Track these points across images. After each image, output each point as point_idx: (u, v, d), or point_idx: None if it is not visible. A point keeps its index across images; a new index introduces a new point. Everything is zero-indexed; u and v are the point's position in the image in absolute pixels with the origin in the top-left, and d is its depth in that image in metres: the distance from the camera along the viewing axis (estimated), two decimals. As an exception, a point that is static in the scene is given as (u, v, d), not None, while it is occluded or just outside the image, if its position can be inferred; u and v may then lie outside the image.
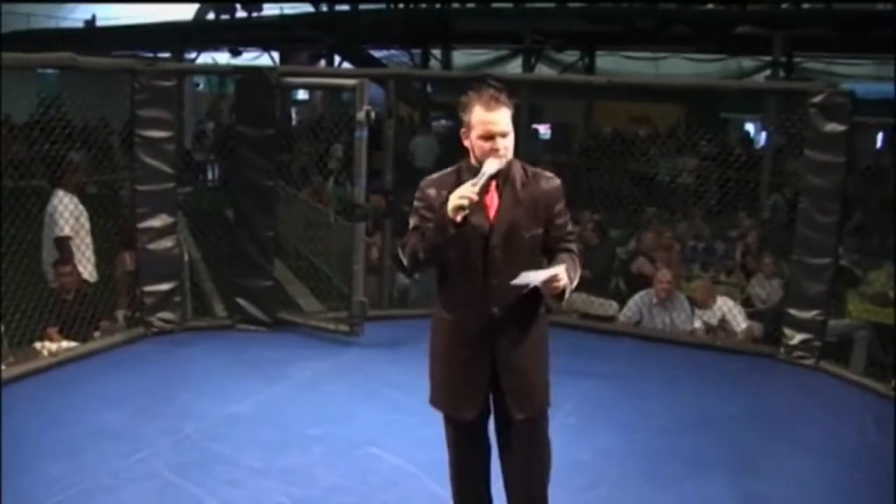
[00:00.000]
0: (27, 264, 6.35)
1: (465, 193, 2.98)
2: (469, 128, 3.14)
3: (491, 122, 3.08)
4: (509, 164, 3.16)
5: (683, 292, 7.60)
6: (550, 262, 3.20)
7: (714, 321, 7.11)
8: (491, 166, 3.06)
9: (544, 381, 3.42)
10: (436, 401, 3.39)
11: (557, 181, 3.27)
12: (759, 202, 12.12)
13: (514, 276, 3.04)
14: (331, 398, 5.44)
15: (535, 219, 3.19)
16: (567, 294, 3.10)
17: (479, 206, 3.09)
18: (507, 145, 3.10)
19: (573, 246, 3.27)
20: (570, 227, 3.32)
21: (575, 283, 3.16)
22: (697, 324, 7.19)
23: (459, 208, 2.98)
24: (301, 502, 4.11)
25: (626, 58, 19.71)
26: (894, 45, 13.28)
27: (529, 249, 3.19)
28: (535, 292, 3.14)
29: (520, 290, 3.10)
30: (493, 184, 3.14)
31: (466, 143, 3.18)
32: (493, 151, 3.08)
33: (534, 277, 3.06)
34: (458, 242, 3.11)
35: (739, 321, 7.04)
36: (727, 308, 7.12)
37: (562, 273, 3.05)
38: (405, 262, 3.27)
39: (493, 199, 3.17)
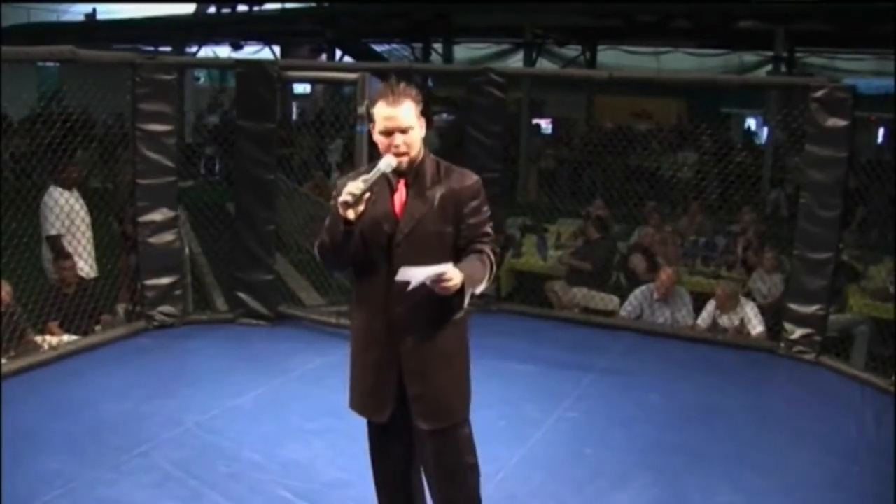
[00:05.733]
0: (28, 258, 6.35)
1: (349, 189, 2.89)
2: (373, 123, 3.03)
3: (388, 117, 2.97)
4: (420, 161, 3.07)
5: (684, 286, 7.60)
6: (458, 262, 3.02)
7: (727, 323, 7.02)
8: (384, 163, 2.97)
9: (457, 389, 3.18)
10: (350, 402, 3.27)
11: (473, 179, 3.12)
12: (761, 197, 12.09)
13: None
14: (332, 392, 5.40)
15: (443, 217, 3.04)
16: (467, 296, 2.94)
17: (384, 202, 3.03)
18: (407, 141, 2.99)
19: (486, 247, 3.08)
20: (485, 228, 3.12)
21: (482, 285, 3.02)
22: (703, 320, 7.13)
23: (344, 204, 2.89)
24: (301, 496, 4.11)
25: (628, 52, 19.69)
26: (894, 40, 13.26)
27: (436, 248, 3.02)
28: (441, 295, 2.93)
29: (419, 291, 2.90)
30: (403, 181, 3.05)
31: (375, 138, 3.06)
32: (392, 148, 2.98)
33: (418, 274, 2.86)
34: (365, 239, 3.03)
35: (756, 324, 6.95)
36: (747, 311, 7.02)
37: (452, 272, 2.87)
38: (318, 257, 3.17)
39: (401, 196, 3.06)
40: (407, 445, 3.25)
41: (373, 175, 2.94)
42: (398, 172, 3.04)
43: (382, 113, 2.98)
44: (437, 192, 3.05)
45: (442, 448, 3.17)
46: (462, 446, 3.22)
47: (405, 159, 3.00)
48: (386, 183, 3.06)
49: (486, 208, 3.13)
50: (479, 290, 3.01)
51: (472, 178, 3.12)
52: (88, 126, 6.36)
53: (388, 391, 3.12)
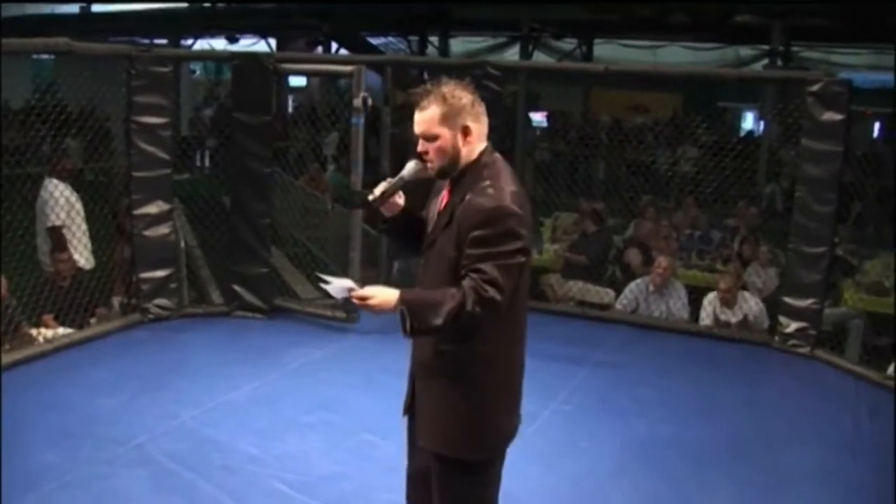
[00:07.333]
0: (23, 251, 6.33)
1: (377, 187, 2.90)
2: None
3: (416, 122, 2.78)
4: (464, 168, 2.77)
5: (679, 280, 7.61)
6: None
7: (730, 318, 7.00)
8: (407, 167, 2.88)
9: (454, 424, 2.80)
10: None
11: (488, 205, 2.64)
12: (756, 191, 12.09)
13: (428, 289, 2.75)
14: (327, 385, 5.44)
15: (449, 238, 2.73)
16: (408, 327, 2.61)
17: (436, 205, 2.91)
18: (430, 149, 2.76)
19: (469, 284, 2.60)
20: (481, 265, 2.60)
21: (435, 322, 2.59)
22: (703, 320, 7.08)
23: (372, 201, 2.91)
24: (296, 489, 4.12)
25: (624, 46, 19.67)
26: (892, 35, 13.26)
27: (438, 268, 2.78)
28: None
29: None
30: (448, 187, 2.85)
31: None
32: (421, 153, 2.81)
33: (334, 283, 2.71)
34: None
35: (762, 320, 6.93)
36: (751, 305, 7.01)
37: (366, 291, 2.64)
38: None
39: (444, 203, 2.86)
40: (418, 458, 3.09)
41: (396, 179, 2.90)
42: (440, 177, 2.85)
43: (414, 117, 2.80)
44: (458, 209, 2.73)
45: (436, 474, 2.90)
46: (458, 488, 2.89)
47: (430, 166, 2.81)
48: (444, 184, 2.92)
49: (500, 245, 2.63)
50: (433, 326, 2.62)
51: (488, 203, 2.66)
52: (83, 118, 6.34)
53: (409, 393, 3.04)
